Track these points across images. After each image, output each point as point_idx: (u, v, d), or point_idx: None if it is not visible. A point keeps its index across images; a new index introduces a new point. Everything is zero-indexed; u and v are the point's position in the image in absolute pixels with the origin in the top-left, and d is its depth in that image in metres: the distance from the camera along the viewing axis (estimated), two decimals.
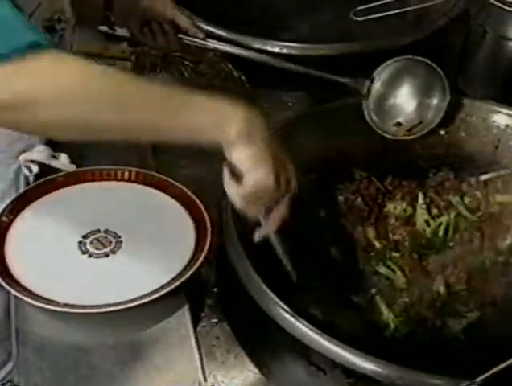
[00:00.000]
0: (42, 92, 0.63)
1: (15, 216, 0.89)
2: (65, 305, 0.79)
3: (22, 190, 0.94)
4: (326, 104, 1.03)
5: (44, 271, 0.84)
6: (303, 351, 0.78)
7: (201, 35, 1.00)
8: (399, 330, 0.81)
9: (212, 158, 1.04)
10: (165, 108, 0.68)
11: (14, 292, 0.80)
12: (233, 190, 0.74)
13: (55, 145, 0.98)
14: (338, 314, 0.82)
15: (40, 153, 0.95)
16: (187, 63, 1.09)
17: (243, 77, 1.11)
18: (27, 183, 0.95)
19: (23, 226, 0.89)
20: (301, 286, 0.82)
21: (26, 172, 0.95)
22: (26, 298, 0.79)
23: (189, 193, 0.92)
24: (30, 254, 0.86)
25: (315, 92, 1.16)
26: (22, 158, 0.95)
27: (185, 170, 1.03)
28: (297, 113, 1.03)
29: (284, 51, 1.12)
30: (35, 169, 0.95)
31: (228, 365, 0.79)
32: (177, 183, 0.94)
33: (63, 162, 0.96)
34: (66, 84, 0.64)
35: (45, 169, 0.96)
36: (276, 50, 1.12)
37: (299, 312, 0.74)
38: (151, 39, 1.00)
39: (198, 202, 0.90)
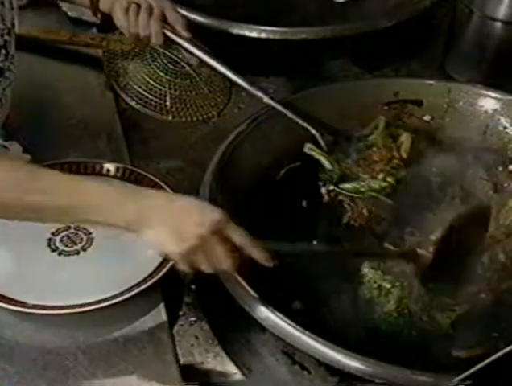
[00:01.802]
0: None
1: None
2: (34, 306, 0.78)
3: None
4: (307, 90, 1.02)
5: (12, 270, 0.83)
6: (286, 349, 0.78)
7: (187, 36, 0.99)
8: (386, 326, 0.81)
9: (188, 150, 1.05)
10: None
11: None
12: None
13: (6, 133, 0.96)
14: (322, 310, 0.82)
15: None
16: (160, 49, 1.08)
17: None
18: None
19: None
20: (283, 282, 0.81)
21: None
22: None
23: (165, 187, 0.91)
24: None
25: (296, 78, 1.16)
26: None
27: (161, 163, 1.03)
28: (278, 101, 1.02)
29: (263, 35, 1.12)
30: None
31: (207, 365, 0.79)
32: (152, 176, 0.93)
33: (15, 151, 0.93)
34: None
35: None
36: (254, 34, 1.12)
37: (281, 309, 0.74)
38: (133, 25, 0.98)
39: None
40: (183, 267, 0.73)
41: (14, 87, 0.92)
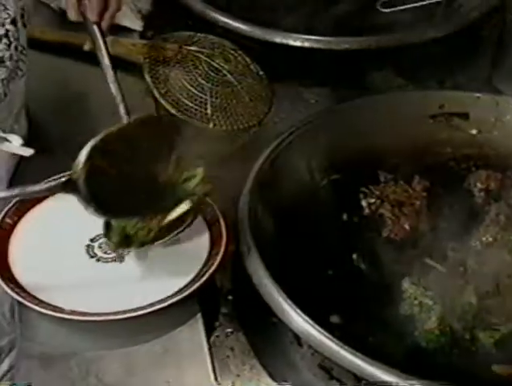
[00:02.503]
0: None
1: (20, 218, 0.90)
2: (72, 312, 0.80)
3: None
4: (351, 101, 1.03)
5: (50, 276, 0.85)
6: (324, 364, 0.79)
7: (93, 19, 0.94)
8: (427, 343, 0.81)
9: (226, 159, 1.06)
10: None
11: (18, 298, 0.81)
12: None
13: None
14: (361, 325, 0.82)
15: None
16: (202, 57, 1.10)
17: (261, 72, 1.12)
18: None
19: (28, 228, 0.90)
20: (322, 295, 0.82)
21: None
22: (30, 305, 0.80)
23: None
24: (36, 258, 0.87)
25: (339, 89, 1.17)
26: None
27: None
28: (319, 112, 1.04)
29: (306, 44, 1.13)
30: None
31: (243, 378, 0.80)
32: None
33: (14, 144, 0.94)
34: None
35: None
36: (298, 43, 1.13)
37: (320, 322, 0.75)
38: None
39: (213, 204, 0.91)
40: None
41: (27, 82, 0.96)
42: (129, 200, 0.78)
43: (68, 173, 0.76)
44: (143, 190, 0.79)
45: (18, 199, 0.91)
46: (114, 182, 0.76)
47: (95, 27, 0.93)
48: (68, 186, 0.75)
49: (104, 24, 0.94)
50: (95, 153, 0.74)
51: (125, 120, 0.90)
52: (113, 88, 0.91)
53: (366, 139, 1.00)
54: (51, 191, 0.79)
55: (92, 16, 0.93)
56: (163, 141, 0.82)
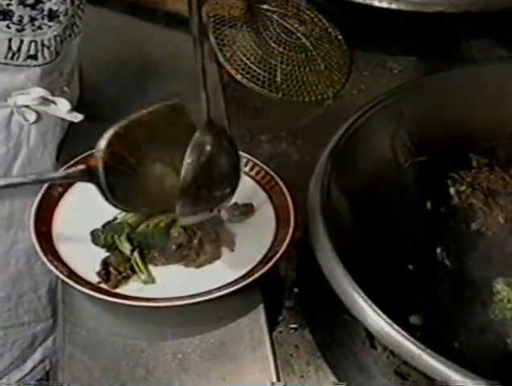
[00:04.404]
0: None
1: (66, 189, 0.93)
2: (120, 296, 0.82)
3: (14, 141, 0.97)
4: (442, 73, 1.03)
5: (98, 256, 0.87)
6: (400, 369, 0.79)
7: None
8: None
9: (296, 134, 1.07)
10: None
11: (62, 276, 0.83)
12: None
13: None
14: (445, 328, 0.82)
15: (36, 96, 0.94)
16: (274, 17, 1.11)
17: (340, 36, 1.12)
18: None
19: (76, 200, 0.92)
20: (401, 291, 0.83)
21: (21, 119, 0.96)
22: (75, 285, 0.82)
23: (270, 172, 0.94)
24: (83, 236, 0.89)
25: (428, 58, 1.16)
26: (12, 101, 0.94)
27: (264, 146, 1.05)
28: (404, 83, 1.03)
29: (393, 6, 1.12)
30: (32, 117, 0.97)
31: (307, 379, 0.80)
32: (256, 160, 0.95)
33: (62, 108, 0.97)
34: None
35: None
36: (384, 5, 1.12)
37: (398, 322, 0.75)
38: None
39: (281, 184, 0.92)
40: None
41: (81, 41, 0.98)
42: (147, 194, 0.80)
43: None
44: (163, 185, 0.80)
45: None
46: (134, 173, 0.78)
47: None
48: (86, 175, 0.77)
49: None
50: (116, 140, 0.76)
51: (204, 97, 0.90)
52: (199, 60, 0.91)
53: (458, 117, 1.00)
54: (68, 179, 0.83)
55: None
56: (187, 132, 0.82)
